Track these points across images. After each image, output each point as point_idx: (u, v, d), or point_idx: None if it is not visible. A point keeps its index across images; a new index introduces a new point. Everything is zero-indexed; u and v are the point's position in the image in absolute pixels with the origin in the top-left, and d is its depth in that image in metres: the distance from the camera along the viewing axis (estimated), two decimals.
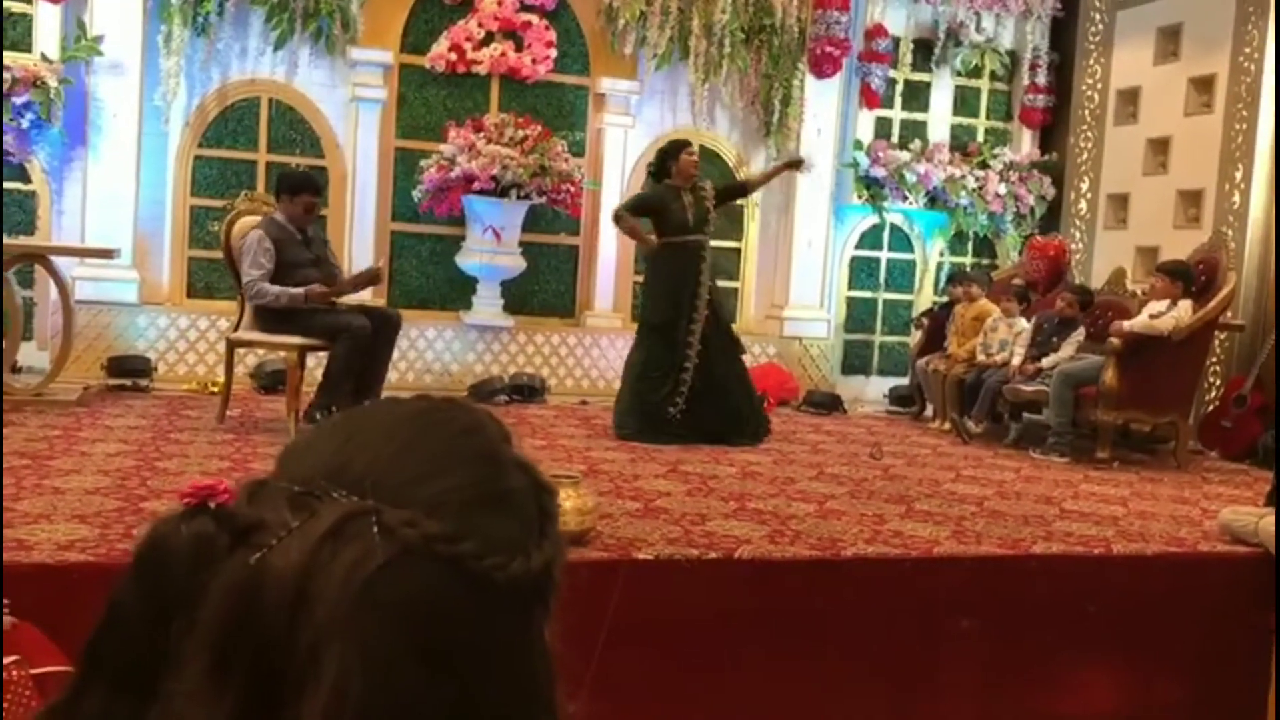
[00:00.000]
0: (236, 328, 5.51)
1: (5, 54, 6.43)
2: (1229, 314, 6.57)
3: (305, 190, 5.40)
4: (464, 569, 0.67)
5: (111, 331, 6.68)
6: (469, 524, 0.68)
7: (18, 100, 6.31)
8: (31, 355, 6.50)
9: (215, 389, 6.09)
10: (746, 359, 7.83)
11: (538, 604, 0.72)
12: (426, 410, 0.77)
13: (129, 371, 6.41)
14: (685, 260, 5.74)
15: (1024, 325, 6.71)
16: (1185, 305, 6.07)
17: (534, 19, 7.44)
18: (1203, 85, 7.36)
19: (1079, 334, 6.45)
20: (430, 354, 7.29)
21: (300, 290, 5.21)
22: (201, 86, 7.07)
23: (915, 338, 8.08)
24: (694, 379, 5.69)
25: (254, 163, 7.18)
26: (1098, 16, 8.27)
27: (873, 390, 8.40)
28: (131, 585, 0.87)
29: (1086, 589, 3.85)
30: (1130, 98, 7.99)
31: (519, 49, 7.42)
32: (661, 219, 5.83)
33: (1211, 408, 6.85)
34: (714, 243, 7.93)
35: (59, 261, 6.01)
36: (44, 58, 6.49)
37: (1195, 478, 5.82)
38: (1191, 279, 6.22)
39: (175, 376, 6.75)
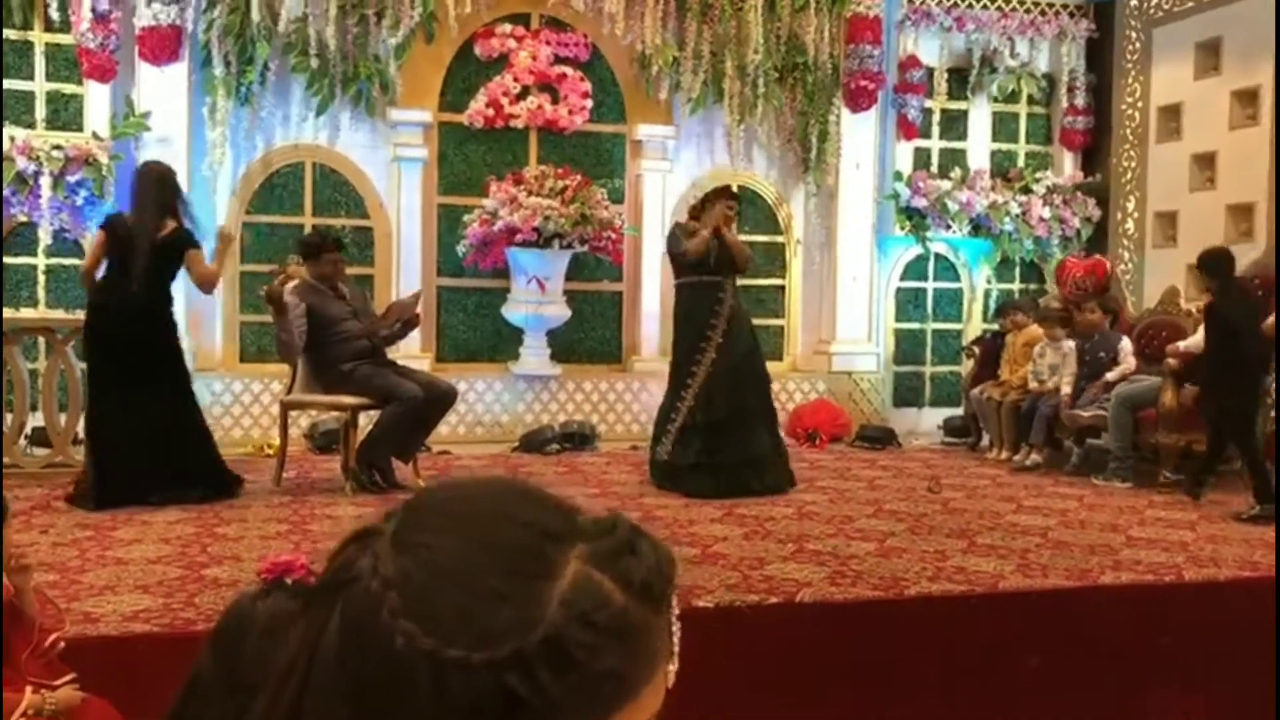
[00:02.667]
0: (290, 390, 5.59)
1: (59, 135, 6.63)
2: None
3: (326, 249, 5.61)
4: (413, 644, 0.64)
5: None
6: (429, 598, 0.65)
7: (71, 178, 6.49)
8: None
9: (271, 451, 6.16)
10: (797, 396, 7.87)
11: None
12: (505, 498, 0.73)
13: None
14: (702, 301, 5.59)
15: (1070, 347, 6.61)
16: None
17: (568, 71, 7.53)
18: (1247, 98, 7.26)
19: (1126, 345, 6.34)
20: (480, 406, 7.32)
21: (299, 328, 5.38)
22: (246, 155, 7.22)
23: (967, 367, 7.99)
24: (694, 421, 5.45)
25: (300, 226, 7.29)
26: (1134, 35, 8.21)
27: (926, 422, 8.30)
28: (209, 662, 0.89)
29: (1159, 619, 3.75)
30: (1172, 114, 7.90)
31: (555, 101, 7.51)
32: (685, 257, 5.65)
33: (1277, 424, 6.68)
34: (759, 281, 8.04)
35: None
36: (95, 136, 6.67)
37: None
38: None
39: (231, 441, 6.82)
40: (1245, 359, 5.39)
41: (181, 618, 3.15)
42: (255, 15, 6.77)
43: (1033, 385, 6.74)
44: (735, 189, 6.30)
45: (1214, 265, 5.59)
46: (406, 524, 0.70)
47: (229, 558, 3.91)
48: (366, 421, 5.57)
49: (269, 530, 4.43)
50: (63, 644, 2.45)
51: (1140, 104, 8.15)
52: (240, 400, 6.94)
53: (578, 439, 7.03)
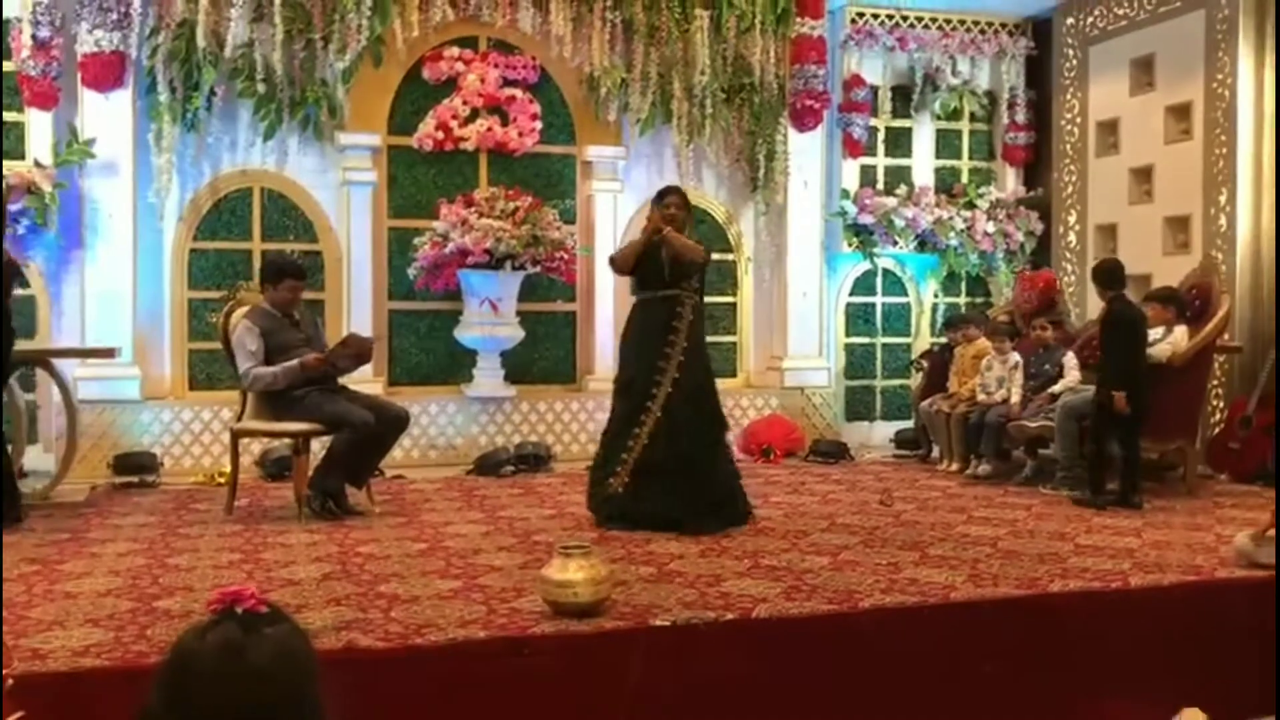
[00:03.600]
0: (240, 418, 5.53)
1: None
2: (1226, 336, 6.60)
3: (287, 275, 5.53)
4: None
5: (116, 429, 6.70)
6: None
7: (13, 207, 6.37)
8: (37, 458, 6.51)
9: (222, 479, 6.09)
10: (751, 412, 7.92)
11: None
12: None
13: (135, 468, 6.41)
14: (657, 315, 5.15)
15: (1017, 359, 6.74)
16: (1180, 331, 6.10)
17: (517, 93, 7.56)
18: (1180, 113, 7.46)
19: (1070, 360, 6.49)
20: (434, 429, 7.30)
21: (295, 362, 5.27)
22: (193, 181, 7.16)
23: (916, 380, 8.12)
24: (650, 451, 5.00)
25: (249, 252, 7.25)
26: (1071, 53, 8.40)
27: (878, 435, 8.40)
28: (157, 696, 0.89)
29: (1107, 624, 3.82)
30: (1110, 129, 8.09)
31: (504, 123, 7.53)
32: (639, 271, 5.26)
33: (1217, 430, 6.85)
34: (711, 299, 8.04)
35: (60, 363, 6.06)
36: (37, 164, 6.58)
37: (1207, 502, 5.80)
38: (1183, 304, 6.25)
39: (181, 470, 6.75)
40: (1139, 363, 5.71)
41: (133, 650, 3.11)
42: (201, 40, 6.73)
43: (981, 397, 6.85)
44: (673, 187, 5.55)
45: (1116, 274, 5.89)
46: None
47: (181, 588, 3.87)
48: (320, 446, 5.53)
49: (221, 560, 4.38)
50: (11, 682, 2.42)
51: (1079, 119, 8.34)
52: (190, 429, 6.86)
53: (533, 460, 7.02)
